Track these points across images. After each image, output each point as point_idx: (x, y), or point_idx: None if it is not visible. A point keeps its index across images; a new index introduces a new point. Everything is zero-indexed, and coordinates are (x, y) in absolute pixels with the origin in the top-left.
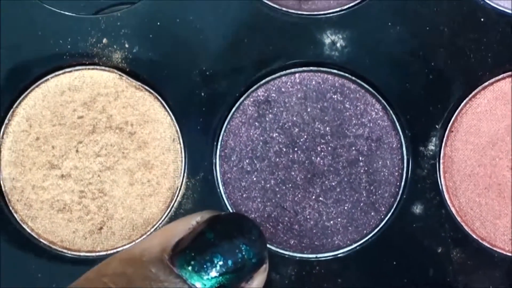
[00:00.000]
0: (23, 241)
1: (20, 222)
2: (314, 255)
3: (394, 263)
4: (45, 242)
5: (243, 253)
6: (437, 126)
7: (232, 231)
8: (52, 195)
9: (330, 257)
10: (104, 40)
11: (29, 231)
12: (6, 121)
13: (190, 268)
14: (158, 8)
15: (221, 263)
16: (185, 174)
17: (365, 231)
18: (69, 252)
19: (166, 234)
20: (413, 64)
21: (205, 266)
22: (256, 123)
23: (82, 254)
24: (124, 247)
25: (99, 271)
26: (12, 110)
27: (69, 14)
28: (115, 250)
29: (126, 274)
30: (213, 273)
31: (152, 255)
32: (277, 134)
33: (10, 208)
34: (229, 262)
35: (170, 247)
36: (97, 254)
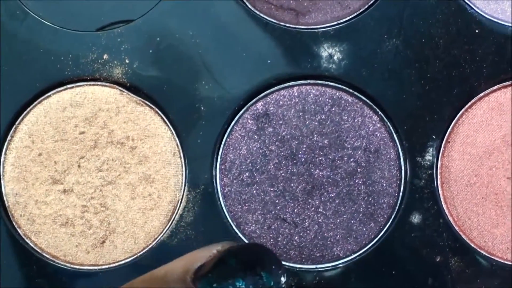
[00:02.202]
0: (26, 255)
1: (23, 237)
2: (314, 266)
3: (394, 272)
4: (48, 256)
5: (264, 280)
6: (434, 137)
7: (253, 259)
8: (54, 210)
9: (330, 268)
10: (105, 56)
11: (32, 245)
12: (9, 137)
13: None
14: (158, 24)
15: (243, 287)
16: (186, 188)
17: (364, 242)
18: (72, 266)
19: (188, 259)
20: (410, 75)
21: None
22: (255, 136)
23: (85, 267)
24: (127, 260)
25: None
26: (14, 126)
27: (70, 31)
28: (117, 264)
29: None
30: None
31: (175, 276)
32: (276, 147)
33: (13, 223)
34: (250, 287)
35: (193, 271)
36: (100, 267)
